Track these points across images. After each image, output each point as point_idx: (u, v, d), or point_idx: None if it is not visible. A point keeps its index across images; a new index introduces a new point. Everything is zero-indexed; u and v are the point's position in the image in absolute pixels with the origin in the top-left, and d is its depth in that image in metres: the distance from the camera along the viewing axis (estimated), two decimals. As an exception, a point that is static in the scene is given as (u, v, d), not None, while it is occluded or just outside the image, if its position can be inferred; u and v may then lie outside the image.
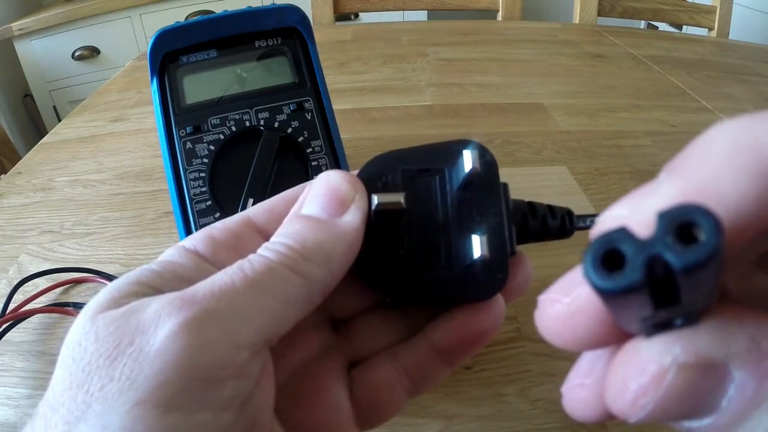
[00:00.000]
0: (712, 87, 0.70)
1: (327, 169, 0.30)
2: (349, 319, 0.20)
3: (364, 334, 0.19)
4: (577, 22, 1.03)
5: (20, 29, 1.56)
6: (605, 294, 0.10)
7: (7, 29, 1.55)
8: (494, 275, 0.17)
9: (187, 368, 0.13)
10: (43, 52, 1.64)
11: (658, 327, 0.11)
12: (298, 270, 0.15)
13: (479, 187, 0.18)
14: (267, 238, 0.17)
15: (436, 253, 0.17)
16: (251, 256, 0.15)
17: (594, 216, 0.19)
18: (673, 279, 0.09)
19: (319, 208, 0.16)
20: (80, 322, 0.14)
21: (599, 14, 1.02)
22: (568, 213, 0.19)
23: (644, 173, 0.49)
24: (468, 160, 0.17)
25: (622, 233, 0.10)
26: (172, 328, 0.13)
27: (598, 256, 0.10)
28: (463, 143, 0.18)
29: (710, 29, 1.04)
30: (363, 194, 0.17)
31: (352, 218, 0.16)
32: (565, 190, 0.47)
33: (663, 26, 1.34)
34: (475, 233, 0.17)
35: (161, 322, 0.13)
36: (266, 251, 0.15)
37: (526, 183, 0.47)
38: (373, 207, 0.17)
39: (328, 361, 0.18)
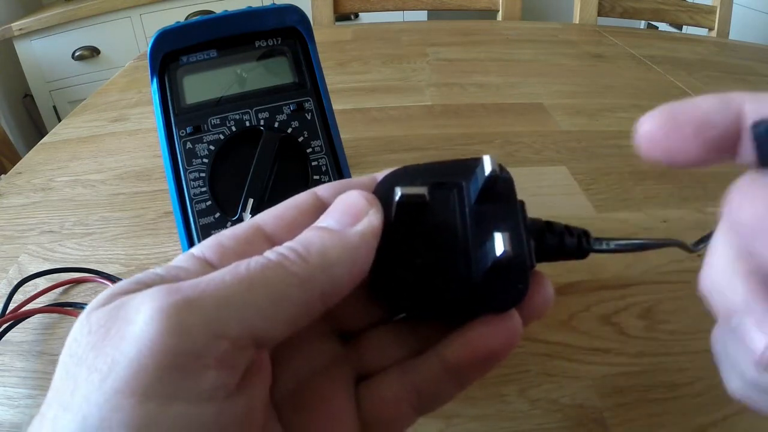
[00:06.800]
0: (712, 87, 0.69)
1: (327, 169, 0.30)
2: (358, 332, 0.20)
3: (374, 348, 0.19)
4: (577, 22, 1.03)
5: (20, 29, 1.56)
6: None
7: (7, 29, 1.55)
8: (515, 285, 0.17)
9: (163, 355, 0.13)
10: (43, 52, 1.64)
11: None
12: (294, 270, 0.15)
13: (497, 202, 0.18)
14: (275, 245, 0.17)
15: (454, 263, 0.17)
16: (252, 258, 0.15)
17: (611, 239, 0.19)
18: None
19: (332, 220, 0.17)
20: (78, 320, 0.14)
21: (599, 14, 1.02)
22: (585, 233, 0.19)
23: (644, 173, 0.49)
24: (488, 165, 0.17)
25: None
26: (149, 313, 0.13)
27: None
28: (480, 159, 0.18)
29: (710, 29, 1.04)
30: (377, 210, 0.17)
31: (362, 228, 0.16)
32: (565, 190, 0.47)
33: (663, 26, 1.34)
34: (496, 231, 0.17)
35: (142, 308, 0.13)
36: (269, 253, 0.16)
37: (526, 183, 0.47)
38: (397, 198, 0.17)
39: (335, 372, 0.18)
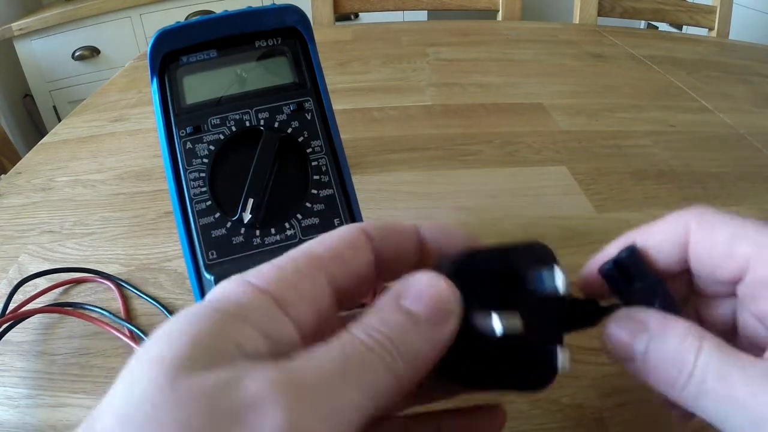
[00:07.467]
0: (712, 87, 0.70)
1: (327, 169, 0.30)
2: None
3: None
4: (577, 22, 1.03)
5: (20, 29, 1.56)
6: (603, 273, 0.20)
7: (7, 29, 1.55)
8: (549, 370, 0.18)
9: None
10: (43, 52, 1.64)
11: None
12: (392, 369, 0.15)
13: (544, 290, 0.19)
14: (331, 281, 0.17)
15: (511, 352, 0.18)
16: (347, 338, 0.15)
17: (614, 306, 0.20)
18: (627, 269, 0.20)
19: (425, 309, 0.16)
20: (154, 377, 0.13)
21: (599, 14, 1.02)
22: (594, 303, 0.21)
23: (644, 173, 0.49)
24: (560, 283, 0.18)
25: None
26: (278, 425, 0.12)
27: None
28: (536, 248, 0.19)
29: (710, 29, 1.04)
30: (460, 309, 0.17)
31: (449, 331, 0.16)
32: (565, 190, 0.47)
33: (663, 26, 1.34)
34: (558, 344, 0.18)
35: (265, 414, 0.12)
36: (364, 335, 0.15)
37: (526, 183, 0.47)
38: (498, 332, 0.17)
39: None
